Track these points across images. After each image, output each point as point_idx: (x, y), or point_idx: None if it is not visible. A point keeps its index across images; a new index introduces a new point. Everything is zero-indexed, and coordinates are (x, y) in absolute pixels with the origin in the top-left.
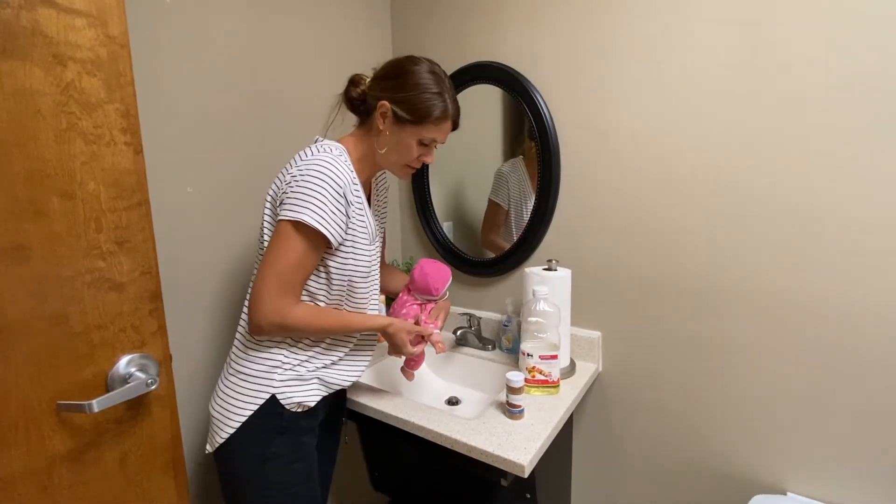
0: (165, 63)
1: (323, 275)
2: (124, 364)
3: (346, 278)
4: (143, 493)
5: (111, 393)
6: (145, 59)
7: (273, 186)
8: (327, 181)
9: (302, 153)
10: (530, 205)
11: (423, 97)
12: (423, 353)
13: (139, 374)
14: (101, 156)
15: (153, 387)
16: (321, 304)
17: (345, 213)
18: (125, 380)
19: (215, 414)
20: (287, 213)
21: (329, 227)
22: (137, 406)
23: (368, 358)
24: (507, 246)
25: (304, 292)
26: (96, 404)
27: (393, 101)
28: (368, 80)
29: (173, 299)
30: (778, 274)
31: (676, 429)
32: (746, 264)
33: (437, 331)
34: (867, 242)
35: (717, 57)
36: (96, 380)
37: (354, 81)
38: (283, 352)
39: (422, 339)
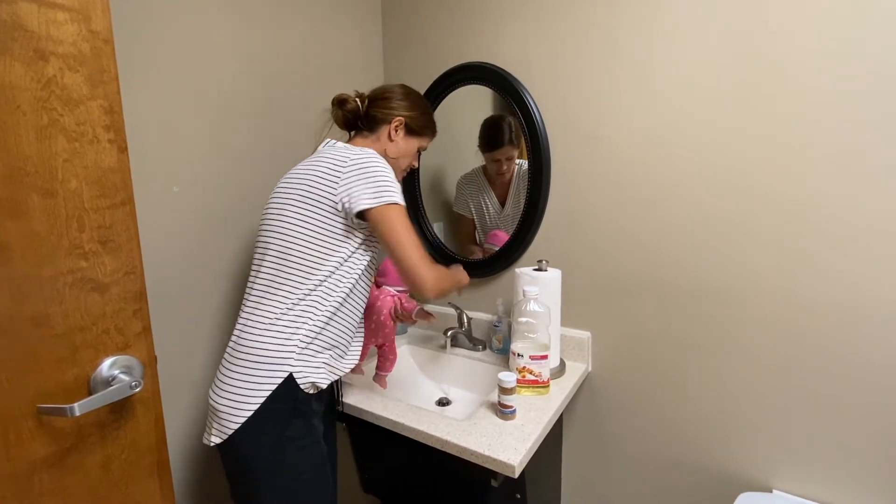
0: (151, 59)
1: (373, 252)
2: (107, 366)
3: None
4: (127, 497)
5: (93, 396)
6: (130, 54)
7: (312, 177)
8: (388, 168)
9: (345, 151)
10: (492, 211)
11: (427, 116)
12: (395, 356)
13: (123, 376)
14: (83, 153)
15: (137, 389)
16: (367, 282)
17: None
18: (108, 382)
19: (222, 403)
20: (379, 200)
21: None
22: (121, 409)
23: (361, 344)
24: (481, 254)
25: (355, 273)
26: (78, 408)
27: (407, 116)
28: (362, 99)
29: (158, 300)
30: (765, 274)
31: (665, 428)
32: (734, 265)
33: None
34: (855, 243)
35: (711, 59)
36: (78, 382)
37: (344, 100)
38: (302, 329)
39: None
